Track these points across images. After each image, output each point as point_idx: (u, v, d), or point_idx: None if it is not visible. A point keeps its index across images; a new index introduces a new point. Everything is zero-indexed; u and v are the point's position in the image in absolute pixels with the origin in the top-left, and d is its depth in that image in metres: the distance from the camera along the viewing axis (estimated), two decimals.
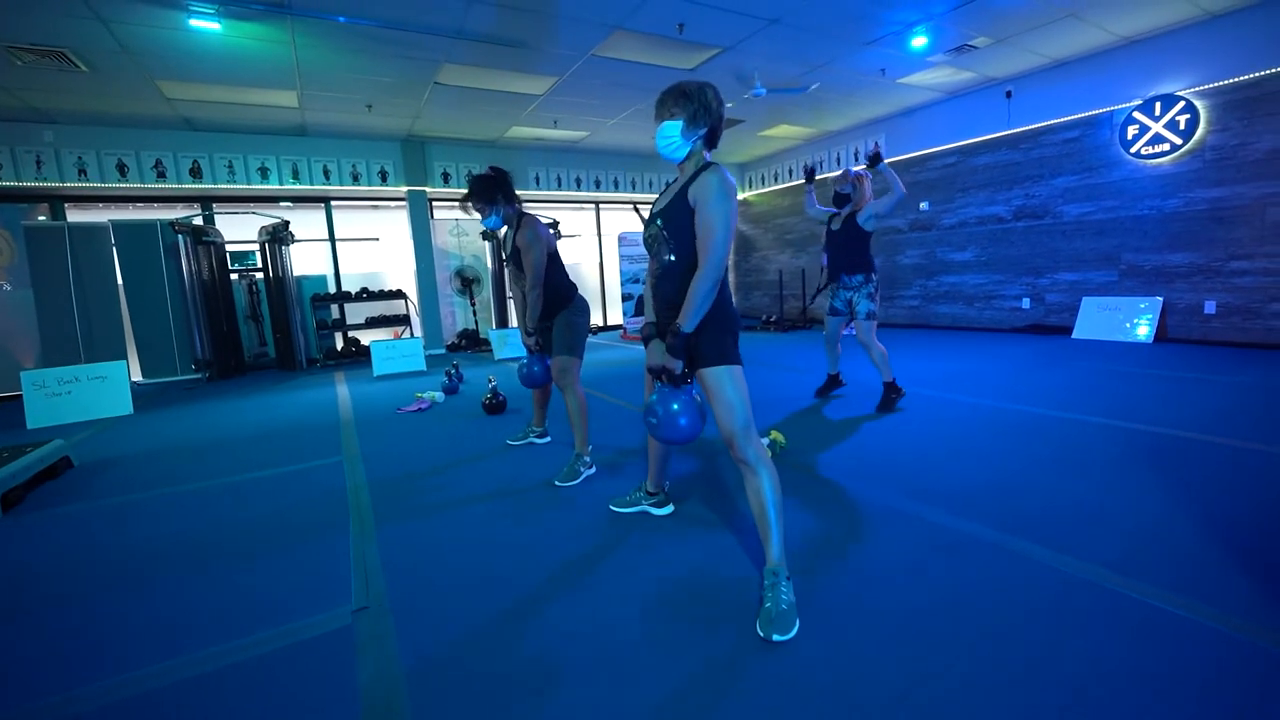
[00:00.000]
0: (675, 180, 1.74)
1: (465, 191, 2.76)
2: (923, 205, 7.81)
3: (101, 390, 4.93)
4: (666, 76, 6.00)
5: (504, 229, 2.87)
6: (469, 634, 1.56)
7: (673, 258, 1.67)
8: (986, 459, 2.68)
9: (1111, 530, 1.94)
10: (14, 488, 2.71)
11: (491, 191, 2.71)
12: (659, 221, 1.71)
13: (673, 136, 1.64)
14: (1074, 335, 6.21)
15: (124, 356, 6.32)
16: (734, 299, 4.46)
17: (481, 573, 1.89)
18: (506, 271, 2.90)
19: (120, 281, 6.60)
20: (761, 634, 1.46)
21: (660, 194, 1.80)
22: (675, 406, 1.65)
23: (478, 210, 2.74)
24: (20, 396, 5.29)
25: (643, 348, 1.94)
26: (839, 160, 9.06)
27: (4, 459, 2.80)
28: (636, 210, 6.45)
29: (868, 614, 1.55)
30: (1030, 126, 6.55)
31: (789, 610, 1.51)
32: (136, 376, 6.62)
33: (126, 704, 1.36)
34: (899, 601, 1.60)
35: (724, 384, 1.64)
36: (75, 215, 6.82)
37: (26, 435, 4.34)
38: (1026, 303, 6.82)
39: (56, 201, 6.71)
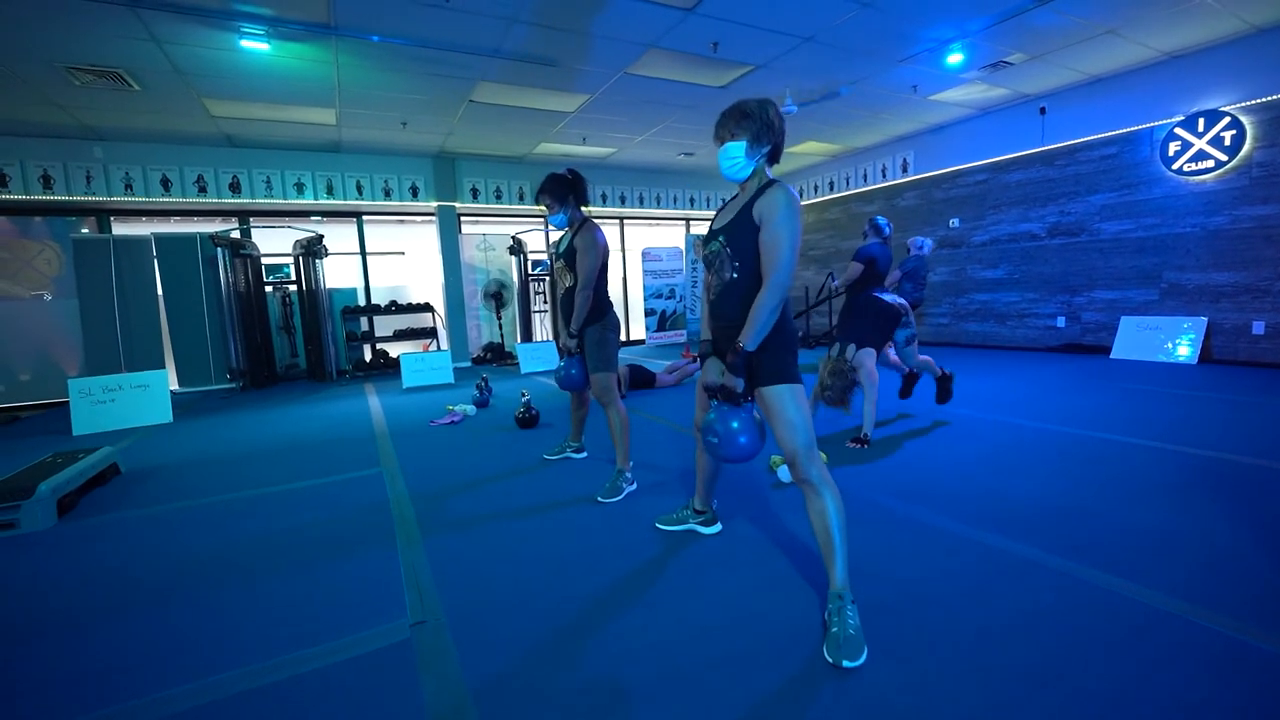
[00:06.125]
0: (735, 197, 1.73)
1: (540, 185, 2.80)
2: (953, 222, 7.73)
3: (143, 399, 5.04)
4: (697, 94, 6.05)
5: (564, 231, 2.90)
6: (529, 650, 1.53)
7: (735, 275, 1.65)
8: (1036, 481, 2.61)
9: (1174, 556, 1.87)
10: (69, 493, 2.77)
11: (565, 191, 2.76)
12: (721, 238, 1.69)
13: (737, 157, 1.63)
14: (1112, 355, 6.06)
15: (162, 365, 6.46)
16: None
17: (534, 588, 1.87)
18: (554, 268, 2.94)
19: (160, 292, 6.78)
20: (830, 659, 1.42)
21: (719, 211, 1.79)
22: (735, 425, 1.62)
23: (547, 206, 2.80)
24: (65, 403, 5.43)
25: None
26: (865, 177, 9.03)
27: (59, 465, 2.86)
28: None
29: (937, 639, 1.50)
30: (1066, 143, 6.46)
31: (856, 635, 1.47)
32: (174, 385, 6.76)
33: (188, 715, 1.36)
34: (967, 626, 1.54)
35: (786, 402, 1.61)
36: (120, 228, 7.04)
37: (73, 442, 4.44)
38: (1062, 321, 6.69)
39: (103, 215, 6.94)
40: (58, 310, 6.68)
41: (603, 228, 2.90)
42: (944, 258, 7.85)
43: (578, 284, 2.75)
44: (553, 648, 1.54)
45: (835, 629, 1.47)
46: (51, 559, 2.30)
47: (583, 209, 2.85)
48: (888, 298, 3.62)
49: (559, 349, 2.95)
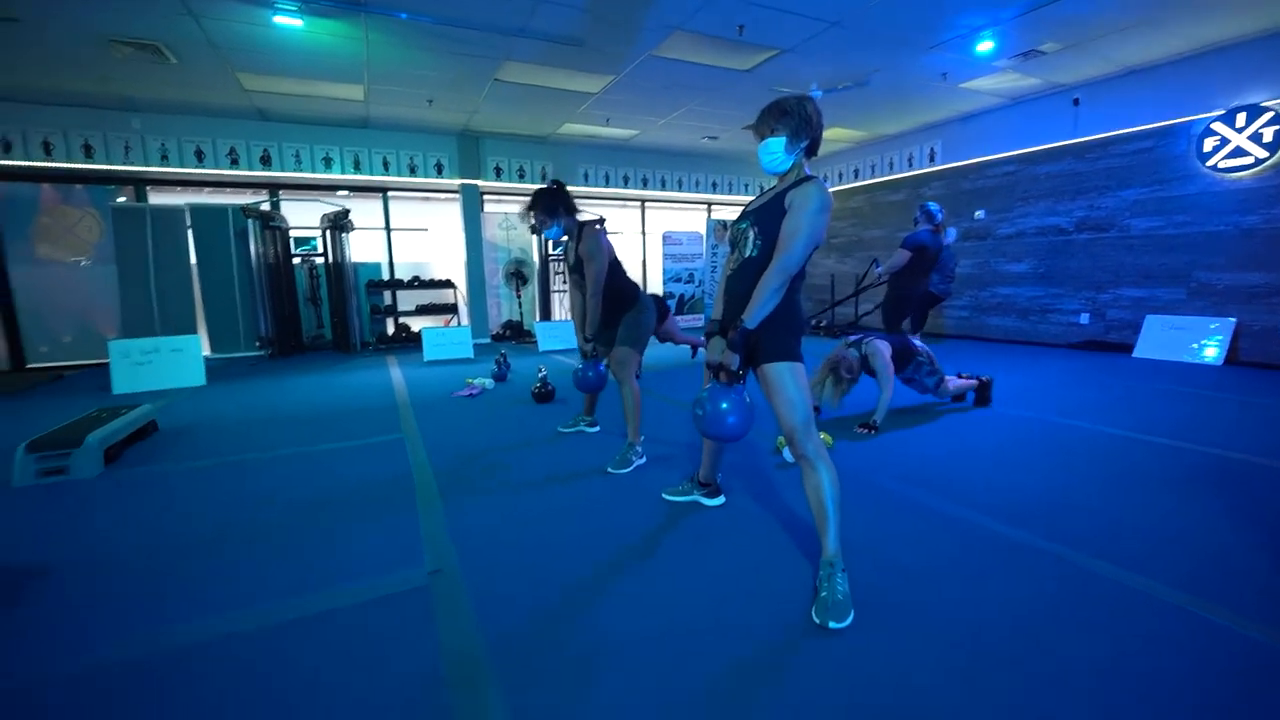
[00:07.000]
0: (772, 188, 1.79)
1: (528, 202, 2.88)
2: (978, 214, 7.62)
3: (178, 362, 5.26)
4: (721, 77, 6.03)
5: (565, 238, 2.99)
6: (537, 602, 1.65)
7: (755, 253, 1.71)
8: (1044, 474, 2.64)
9: (1180, 551, 1.90)
10: (113, 445, 2.95)
11: (553, 204, 2.83)
12: (750, 219, 1.75)
13: (777, 152, 1.68)
14: (1135, 354, 5.98)
15: (194, 331, 6.70)
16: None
17: (543, 549, 1.98)
18: (569, 279, 3.02)
19: (194, 261, 7.01)
20: (817, 620, 1.51)
21: (755, 198, 1.86)
22: (724, 405, 1.69)
23: (539, 221, 2.87)
24: (102, 364, 5.69)
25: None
26: (891, 165, 8.91)
27: (104, 419, 3.05)
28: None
29: (926, 615, 1.56)
30: (1098, 135, 6.32)
31: (844, 600, 1.55)
32: (206, 351, 7.01)
33: (219, 642, 1.49)
34: (959, 607, 1.60)
35: (785, 380, 1.68)
36: (155, 198, 7.26)
37: (113, 400, 4.66)
38: (1085, 318, 6.59)
39: (140, 185, 7.16)
40: (97, 275, 6.94)
41: (625, 208, 2.96)
42: (968, 250, 7.75)
43: (588, 290, 2.84)
44: (559, 603, 1.65)
45: (824, 593, 1.56)
46: (99, 503, 2.48)
47: (574, 215, 2.91)
48: (917, 342, 3.66)
49: (580, 349, 3.06)
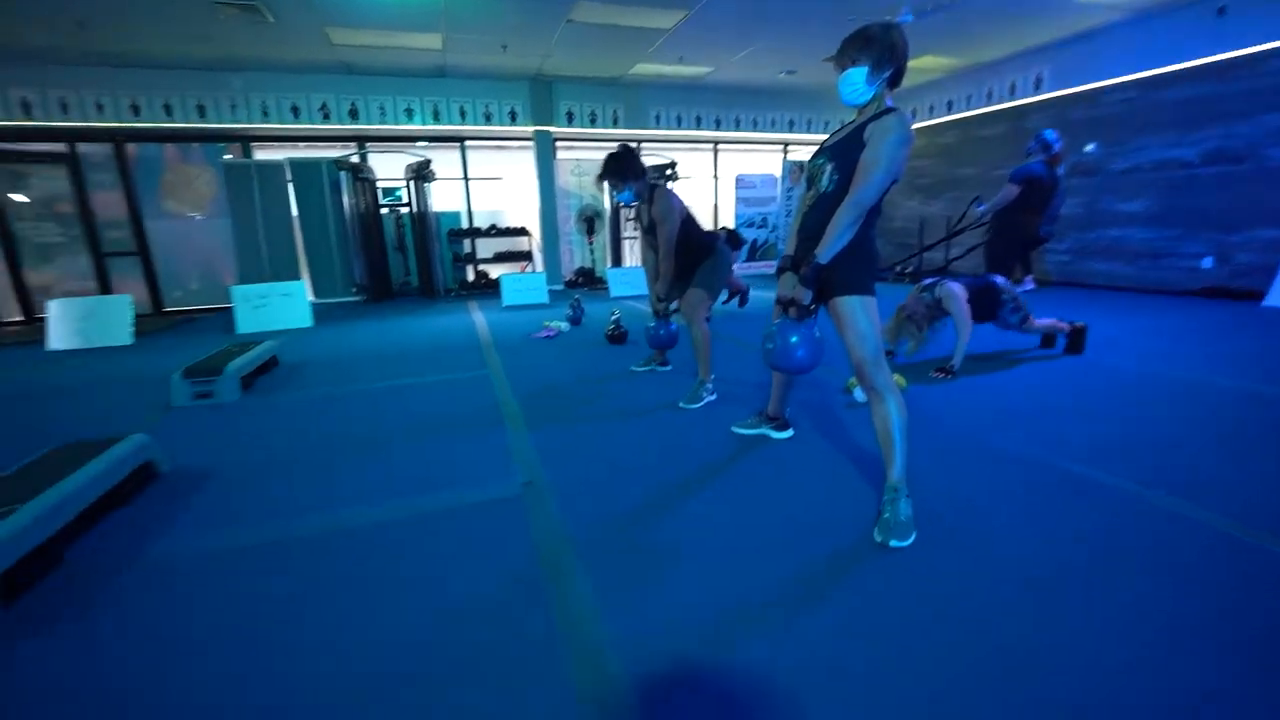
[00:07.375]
0: (851, 121, 1.75)
1: (599, 171, 2.97)
2: (1088, 148, 6.90)
3: (288, 305, 5.82)
4: (801, 6, 5.68)
5: (638, 205, 3.06)
6: (616, 512, 1.83)
7: (832, 188, 1.70)
8: (1131, 421, 2.52)
9: (1260, 493, 1.82)
10: (247, 374, 3.40)
11: (622, 169, 2.90)
12: (828, 153, 1.74)
13: (857, 83, 1.63)
14: (1265, 303, 5.36)
15: (299, 278, 7.33)
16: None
17: (620, 469, 2.16)
18: (642, 239, 3.11)
19: (295, 213, 7.58)
20: (879, 539, 1.59)
21: (832, 133, 1.83)
22: (794, 339, 1.73)
23: (613, 187, 2.96)
24: (224, 308, 6.38)
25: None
26: (989, 96, 8.16)
27: (237, 353, 3.51)
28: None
29: (989, 545, 1.59)
30: (1244, 51, 5.49)
31: (907, 523, 1.61)
32: (310, 296, 7.66)
33: (351, 531, 1.77)
34: (1023, 540, 1.61)
35: (856, 313, 1.70)
36: (259, 154, 7.84)
37: (238, 339, 5.26)
38: (1208, 262, 5.94)
39: (245, 141, 7.74)
40: (214, 228, 7.67)
41: (696, 151, 2.97)
42: (1075, 188, 7.06)
43: (660, 251, 2.91)
44: (636, 513, 1.82)
45: (887, 514, 1.63)
46: (243, 421, 2.89)
47: (645, 178, 2.95)
48: (999, 280, 3.44)
49: (653, 308, 3.18)
